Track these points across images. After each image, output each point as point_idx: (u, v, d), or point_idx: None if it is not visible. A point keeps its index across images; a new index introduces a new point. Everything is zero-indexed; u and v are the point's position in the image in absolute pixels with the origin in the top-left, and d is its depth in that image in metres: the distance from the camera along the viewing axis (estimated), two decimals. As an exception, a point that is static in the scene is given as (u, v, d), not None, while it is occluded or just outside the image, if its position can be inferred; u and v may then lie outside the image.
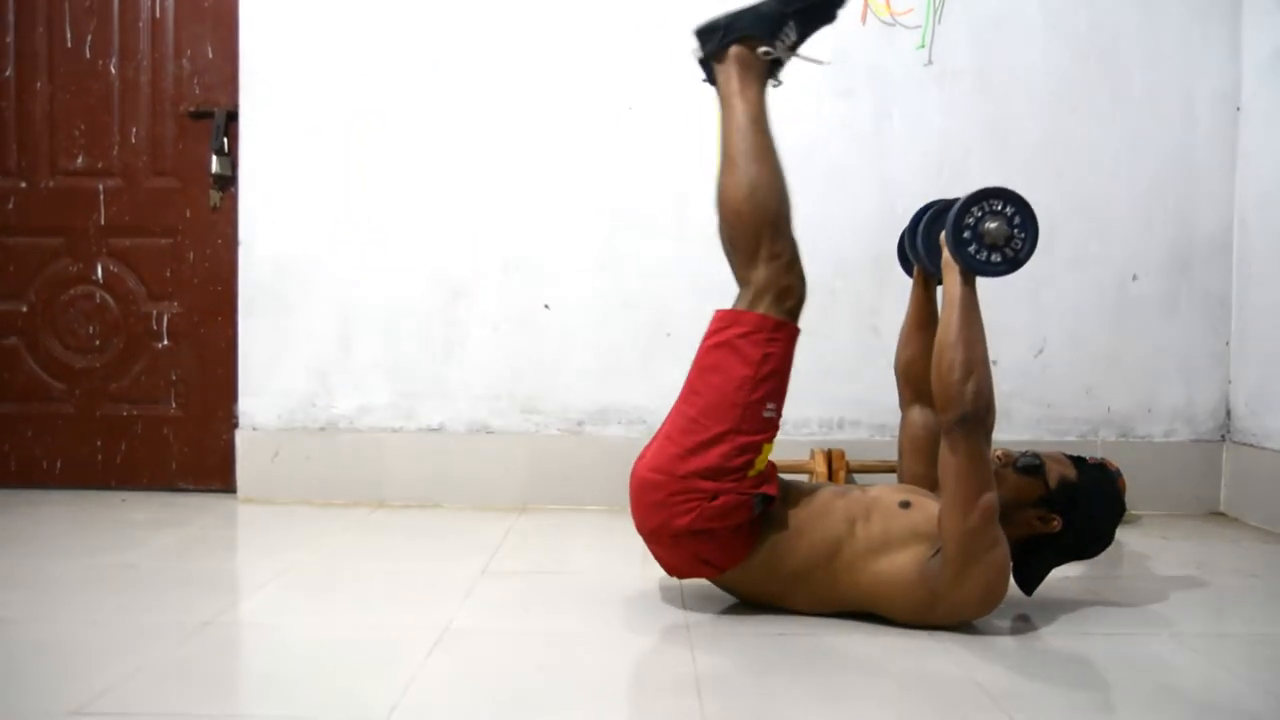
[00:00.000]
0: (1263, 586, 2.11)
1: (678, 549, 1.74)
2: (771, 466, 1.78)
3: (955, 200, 1.76)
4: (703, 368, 1.77)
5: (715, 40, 1.80)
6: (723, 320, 1.77)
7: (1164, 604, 1.93)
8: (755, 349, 1.72)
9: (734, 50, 1.79)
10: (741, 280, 1.78)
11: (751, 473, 1.71)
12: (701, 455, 1.69)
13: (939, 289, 2.02)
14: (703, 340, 1.80)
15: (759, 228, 1.74)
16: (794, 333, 1.77)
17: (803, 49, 1.84)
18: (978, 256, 1.70)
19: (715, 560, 1.74)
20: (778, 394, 1.75)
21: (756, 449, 1.71)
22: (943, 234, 1.74)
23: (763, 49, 1.79)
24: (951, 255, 1.71)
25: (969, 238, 1.70)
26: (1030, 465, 1.75)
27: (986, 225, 1.69)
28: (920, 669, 1.55)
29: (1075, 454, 1.86)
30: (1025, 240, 1.70)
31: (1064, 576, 2.10)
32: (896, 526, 1.72)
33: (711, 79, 1.85)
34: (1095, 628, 1.77)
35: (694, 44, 1.83)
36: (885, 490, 1.83)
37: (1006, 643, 1.68)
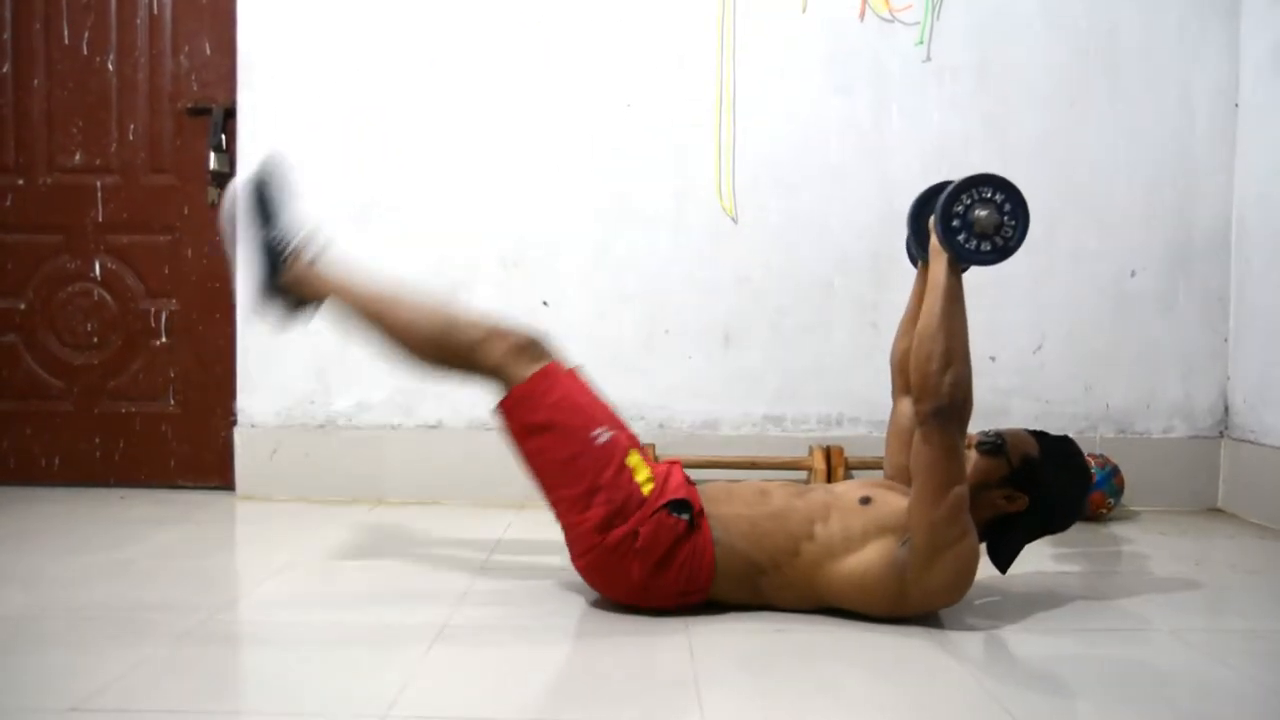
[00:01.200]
0: (1261, 582, 2.11)
1: (656, 597, 1.74)
2: (668, 469, 1.79)
3: (946, 184, 1.72)
4: (527, 460, 1.79)
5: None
6: (500, 416, 1.82)
7: (1162, 600, 1.93)
8: (531, 415, 1.75)
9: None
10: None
11: (646, 489, 1.71)
12: (591, 511, 1.70)
13: None
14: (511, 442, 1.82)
15: None
16: (551, 369, 1.78)
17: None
18: (967, 245, 1.66)
19: (690, 586, 1.73)
20: (590, 421, 1.76)
21: (621, 466, 1.72)
22: (931, 219, 1.70)
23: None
24: (940, 242, 1.67)
25: (958, 225, 1.66)
26: (992, 445, 1.74)
27: (976, 213, 1.65)
28: (919, 665, 1.55)
29: (1036, 429, 1.86)
30: (1015, 229, 1.65)
31: (1062, 572, 2.10)
32: (857, 524, 1.71)
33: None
34: (1093, 624, 1.77)
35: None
36: (848, 487, 1.83)
37: (1005, 638, 1.68)
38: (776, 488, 1.83)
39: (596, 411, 1.78)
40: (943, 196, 1.67)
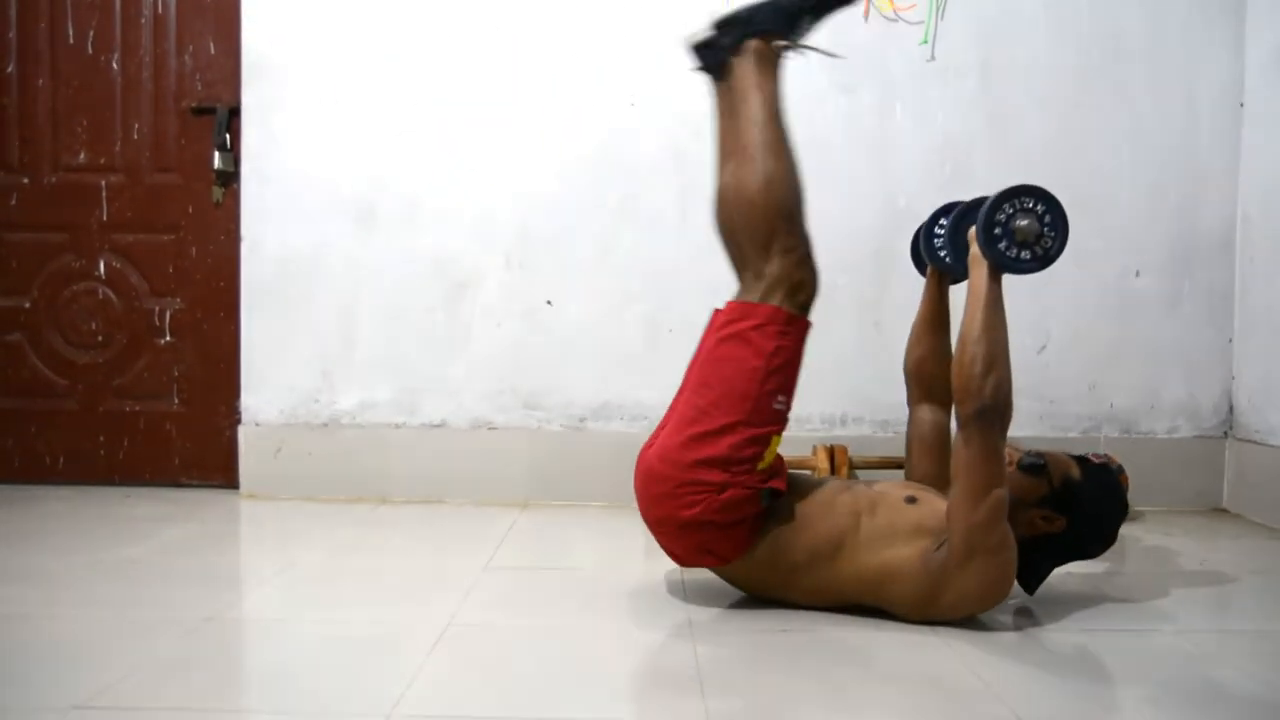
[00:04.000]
0: (1266, 583, 2.10)
1: (683, 538, 1.74)
2: (780, 460, 1.78)
3: (984, 198, 1.76)
4: (714, 359, 1.76)
5: (735, 33, 1.80)
6: (735, 312, 1.77)
7: (1167, 600, 1.93)
8: (768, 341, 1.72)
9: (753, 44, 1.80)
10: (752, 274, 1.77)
11: (761, 465, 1.71)
12: (711, 444, 1.70)
13: (952, 289, 2.02)
14: (709, 331, 1.80)
15: (774, 220, 1.74)
16: (806, 327, 1.77)
17: (814, 41, 1.85)
18: (1007, 253, 1.70)
19: (720, 551, 1.74)
20: (788, 387, 1.76)
21: (765, 441, 1.71)
22: (972, 229, 1.73)
23: (781, 42, 1.79)
24: (981, 251, 1.71)
25: (999, 234, 1.69)
26: (1034, 465, 1.75)
27: (1018, 222, 1.69)
28: (924, 663, 1.55)
29: (1079, 453, 1.86)
30: (1055, 239, 1.70)
31: (1066, 573, 2.10)
32: (902, 520, 1.72)
33: (709, 68, 1.86)
34: (1098, 624, 1.77)
35: (706, 34, 1.82)
36: (891, 486, 1.83)
37: (1010, 638, 1.68)
38: (824, 480, 1.85)
39: (792, 386, 1.78)
40: (985, 206, 1.71)
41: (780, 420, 1.75)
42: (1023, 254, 1.70)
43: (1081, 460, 1.82)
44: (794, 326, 1.74)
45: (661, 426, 1.81)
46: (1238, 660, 1.61)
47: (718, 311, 1.81)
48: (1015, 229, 1.69)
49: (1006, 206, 1.69)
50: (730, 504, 1.68)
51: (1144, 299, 2.85)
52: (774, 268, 1.74)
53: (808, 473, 2.67)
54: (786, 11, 1.80)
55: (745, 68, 1.80)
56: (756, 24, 1.80)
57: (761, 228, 1.74)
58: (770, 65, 1.81)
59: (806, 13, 1.81)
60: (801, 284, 1.75)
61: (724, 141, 1.84)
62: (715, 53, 1.84)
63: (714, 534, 1.72)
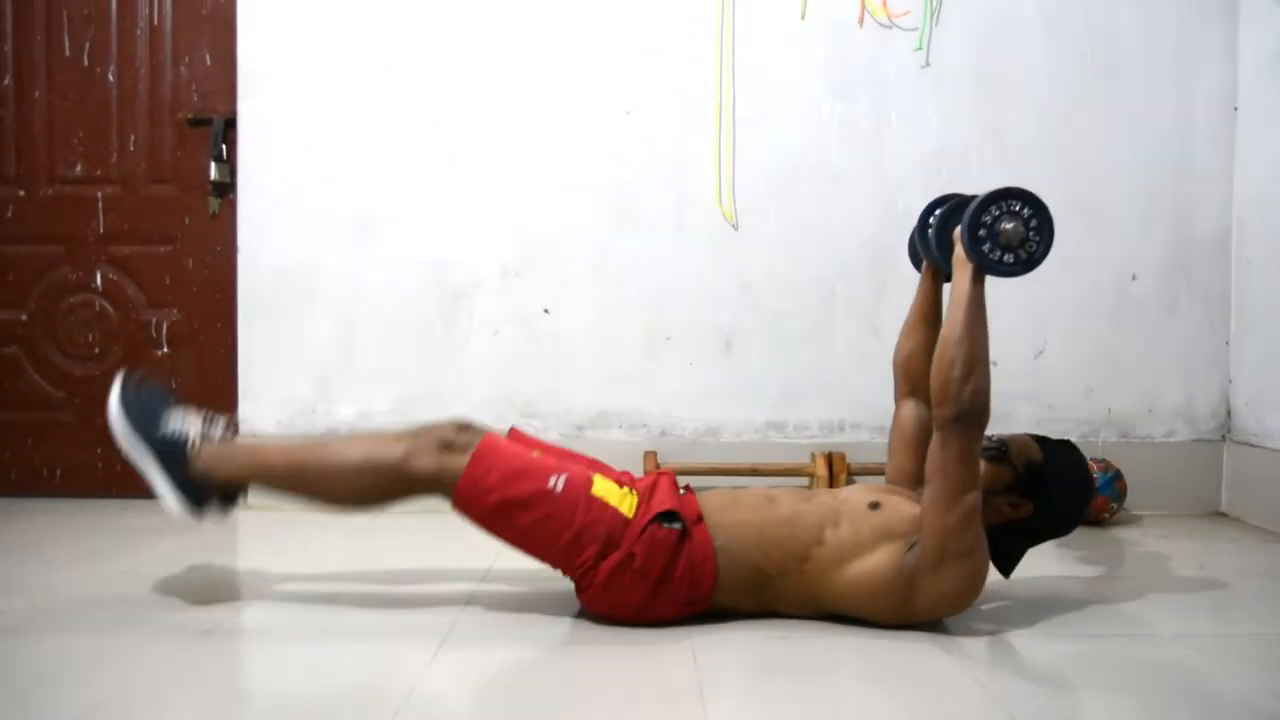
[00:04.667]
0: (1265, 586, 2.10)
1: (662, 609, 1.72)
2: (654, 480, 1.79)
3: (972, 196, 1.74)
4: (504, 539, 1.77)
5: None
6: (458, 513, 1.77)
7: (1165, 605, 1.93)
8: (483, 500, 1.71)
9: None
10: None
11: (627, 510, 1.71)
12: (586, 555, 1.69)
13: (946, 286, 2.02)
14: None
15: None
16: (481, 450, 1.74)
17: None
18: (991, 256, 1.68)
19: (693, 595, 1.71)
20: (540, 477, 1.72)
21: (591, 501, 1.70)
22: (957, 230, 1.72)
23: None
24: (965, 253, 1.69)
25: (984, 236, 1.68)
26: (996, 452, 1.75)
27: (1003, 225, 1.67)
28: (922, 669, 1.55)
29: (1038, 434, 1.86)
30: (1040, 243, 1.69)
31: (1065, 576, 2.10)
32: (866, 528, 1.70)
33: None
34: (1097, 629, 1.77)
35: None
36: (854, 492, 1.82)
37: (1008, 643, 1.68)
38: (783, 494, 1.82)
39: (542, 464, 1.75)
40: (970, 208, 1.69)
41: (576, 485, 1.72)
42: (1006, 257, 1.69)
43: (1042, 441, 1.81)
44: (466, 475, 1.72)
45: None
46: (1237, 665, 1.61)
47: None
48: (1000, 232, 1.67)
49: (992, 209, 1.68)
50: (649, 559, 1.66)
51: (1141, 303, 2.86)
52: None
53: (806, 481, 2.67)
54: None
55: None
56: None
57: None
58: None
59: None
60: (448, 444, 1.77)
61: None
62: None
63: (672, 588, 1.69)
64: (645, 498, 1.75)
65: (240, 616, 1.84)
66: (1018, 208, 1.68)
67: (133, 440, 1.77)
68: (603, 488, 1.74)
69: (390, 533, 2.54)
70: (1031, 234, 1.68)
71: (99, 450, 2.94)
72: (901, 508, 1.74)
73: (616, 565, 1.68)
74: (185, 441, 1.78)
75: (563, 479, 1.72)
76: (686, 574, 1.70)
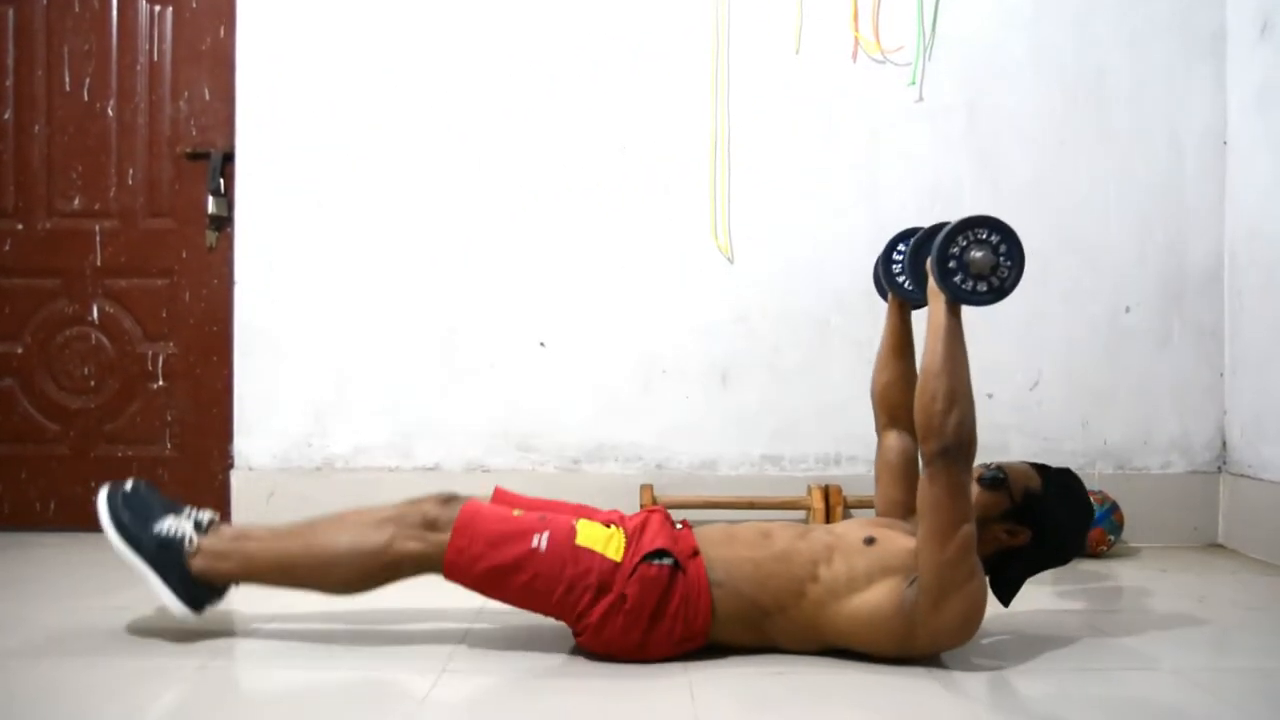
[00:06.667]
0: (1265, 619, 2.10)
1: (659, 648, 1.71)
2: (644, 518, 1.79)
3: (940, 226, 1.73)
4: (503, 601, 1.77)
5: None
6: (454, 583, 1.78)
7: (1164, 638, 1.92)
8: (472, 569, 1.73)
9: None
10: None
11: (615, 554, 1.71)
12: (580, 600, 1.69)
13: (913, 314, 2.02)
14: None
15: None
16: (462, 521, 1.75)
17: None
18: (963, 286, 1.66)
19: (688, 632, 1.71)
20: (522, 539, 1.72)
21: (577, 552, 1.70)
22: (929, 261, 1.71)
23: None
24: (937, 284, 1.68)
25: (954, 267, 1.66)
26: (994, 480, 1.74)
27: (972, 254, 1.65)
28: (920, 704, 1.54)
29: (1039, 462, 1.86)
30: (1011, 269, 1.66)
31: (1063, 610, 2.09)
32: (861, 565, 1.69)
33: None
34: (1095, 663, 1.76)
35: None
36: (850, 527, 1.81)
37: (1008, 678, 1.67)
38: (778, 529, 1.81)
39: (524, 523, 1.75)
40: (938, 238, 1.68)
41: (559, 539, 1.72)
42: (979, 286, 1.67)
43: (1040, 468, 1.81)
44: (451, 548, 1.74)
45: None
46: (1237, 699, 1.60)
47: None
48: (970, 261, 1.65)
49: (960, 239, 1.66)
50: (641, 598, 1.66)
51: (1134, 335, 2.87)
52: None
53: (803, 514, 2.67)
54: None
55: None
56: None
57: None
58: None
59: None
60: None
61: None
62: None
63: (666, 625, 1.69)
64: (635, 536, 1.75)
65: (235, 650, 1.82)
66: (985, 235, 1.66)
67: (128, 554, 1.80)
68: (587, 535, 1.73)
69: (385, 567, 2.52)
70: (1002, 260, 1.66)
71: (93, 484, 2.90)
72: (897, 542, 1.73)
73: (609, 608, 1.67)
74: (179, 546, 1.79)
75: (545, 537, 1.72)
76: (681, 608, 1.69)
